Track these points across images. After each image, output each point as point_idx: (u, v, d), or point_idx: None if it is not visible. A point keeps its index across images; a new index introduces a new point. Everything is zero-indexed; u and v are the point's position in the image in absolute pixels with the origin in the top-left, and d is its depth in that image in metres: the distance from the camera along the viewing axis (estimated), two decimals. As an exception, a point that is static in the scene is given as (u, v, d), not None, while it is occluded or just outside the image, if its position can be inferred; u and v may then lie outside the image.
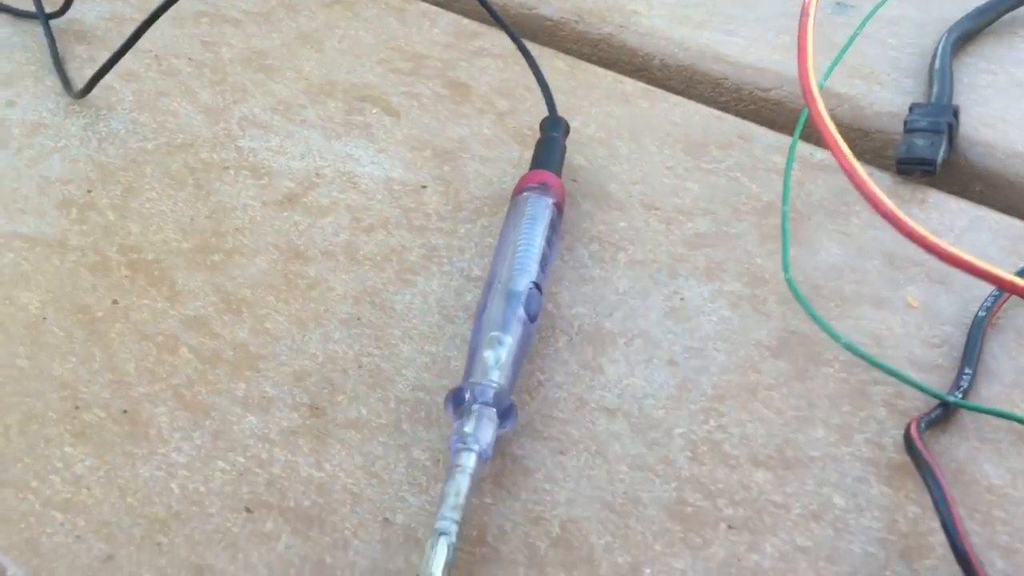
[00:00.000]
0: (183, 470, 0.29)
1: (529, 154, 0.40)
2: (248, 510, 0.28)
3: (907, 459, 0.28)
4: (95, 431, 0.30)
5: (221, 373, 0.32)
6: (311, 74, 0.44)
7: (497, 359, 0.30)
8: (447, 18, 0.47)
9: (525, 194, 0.35)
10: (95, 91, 0.42)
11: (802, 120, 0.38)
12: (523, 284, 0.32)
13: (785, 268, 0.34)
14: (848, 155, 0.33)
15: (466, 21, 0.47)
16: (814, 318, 0.32)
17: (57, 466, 0.29)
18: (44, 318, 0.33)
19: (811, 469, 0.29)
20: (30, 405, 0.31)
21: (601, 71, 0.44)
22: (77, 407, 0.31)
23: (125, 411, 0.31)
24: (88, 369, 0.32)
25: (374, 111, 0.42)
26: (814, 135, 0.40)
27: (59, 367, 0.32)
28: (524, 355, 0.31)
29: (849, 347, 0.31)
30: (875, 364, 0.31)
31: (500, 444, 0.29)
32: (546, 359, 0.32)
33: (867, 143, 0.41)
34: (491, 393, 0.29)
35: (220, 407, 0.31)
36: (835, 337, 0.31)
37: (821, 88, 0.41)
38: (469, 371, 0.30)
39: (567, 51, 0.46)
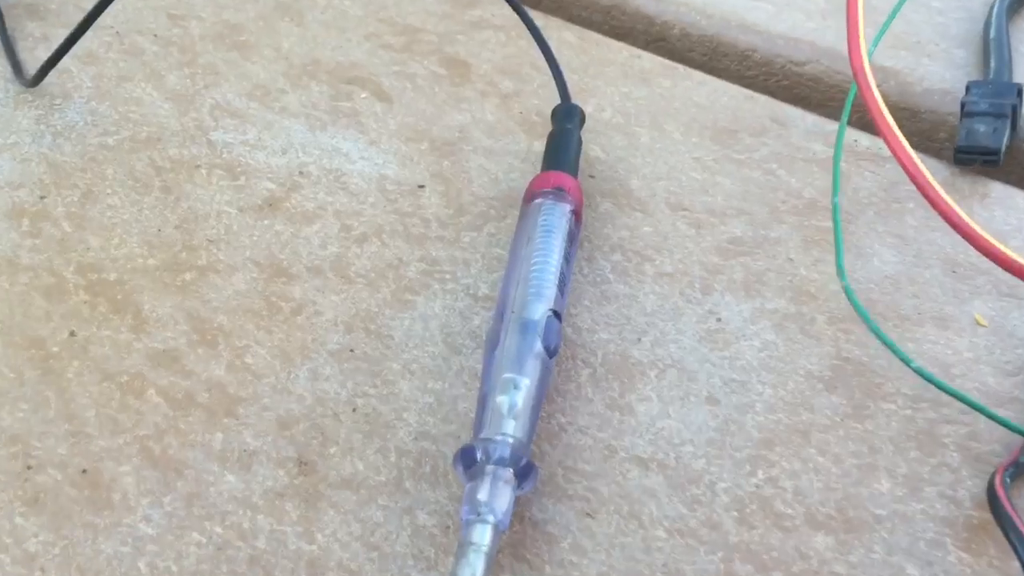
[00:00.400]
0: (152, 544, 0.25)
1: (538, 144, 0.35)
2: (229, 595, 0.24)
3: (989, 517, 0.25)
4: (51, 497, 0.26)
5: (195, 421, 0.28)
6: (291, 52, 0.39)
7: (512, 406, 0.26)
8: (441, -17, 0.42)
9: (538, 201, 0.30)
10: (49, 76, 0.37)
11: (849, 101, 0.33)
12: (540, 312, 0.27)
13: (840, 273, 0.29)
14: (905, 146, 0.29)
15: (462, -14, 0.42)
16: (881, 338, 0.28)
17: (6, 542, 0.25)
18: (-9, 355, 0.29)
19: (877, 532, 0.25)
20: (-25, 465, 0.27)
21: (616, 44, 0.39)
22: (29, 467, 0.27)
23: (84, 471, 0.27)
24: (42, 418, 0.28)
25: (363, 96, 0.38)
26: (857, 117, 0.36)
27: (8, 416, 0.28)
28: (543, 397, 0.27)
29: (923, 374, 0.27)
30: (962, 399, 0.27)
31: (519, 505, 0.25)
32: (567, 397, 0.28)
33: (916, 125, 0.37)
34: (507, 451, 0.25)
35: (194, 464, 0.27)
36: (906, 361, 0.27)
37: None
38: (480, 422, 0.26)
39: (574, 19, 0.42)
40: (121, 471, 0.27)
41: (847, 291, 0.29)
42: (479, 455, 0.25)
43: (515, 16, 0.39)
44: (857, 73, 0.30)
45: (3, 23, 0.40)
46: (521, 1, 0.38)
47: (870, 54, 0.37)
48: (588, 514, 0.25)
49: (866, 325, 0.28)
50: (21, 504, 0.26)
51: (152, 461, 0.27)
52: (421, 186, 0.34)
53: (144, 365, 0.29)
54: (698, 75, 0.38)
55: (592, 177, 0.34)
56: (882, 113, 0.30)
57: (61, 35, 0.40)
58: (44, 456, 0.27)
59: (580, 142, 0.33)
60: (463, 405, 0.28)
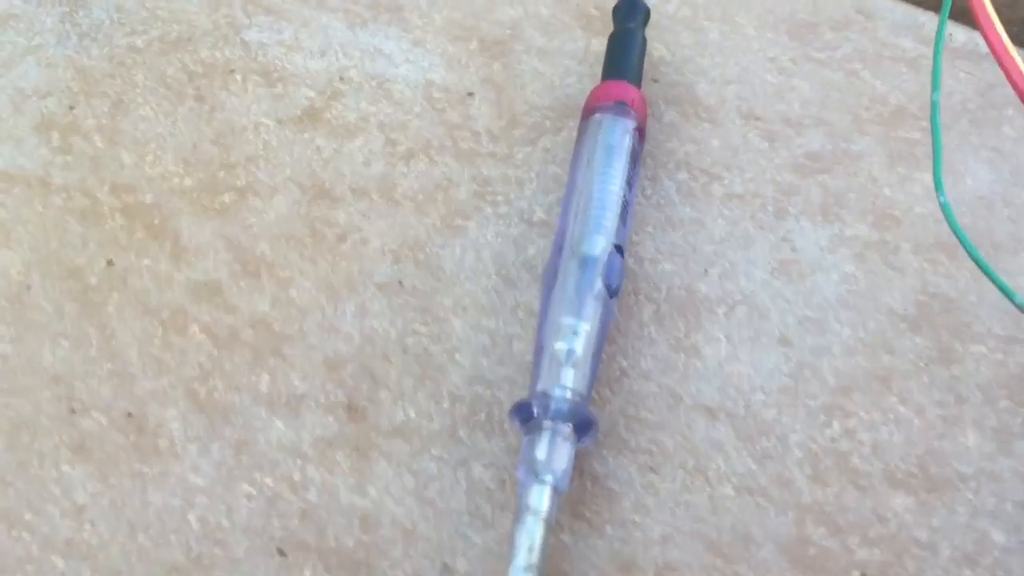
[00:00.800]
0: (202, 496, 0.24)
1: (596, 43, 0.32)
2: (281, 552, 0.24)
3: (1083, 477, 0.23)
4: (96, 443, 0.25)
5: (240, 361, 0.26)
6: (327, -66, 0.36)
7: (571, 354, 0.24)
8: None
9: (598, 116, 0.28)
10: (70, -33, 0.35)
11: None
12: (600, 247, 0.25)
13: (938, 188, 0.26)
14: (1006, 41, 0.26)
15: None
16: (983, 268, 0.24)
17: (55, 493, 0.25)
18: (28, 286, 0.28)
19: (962, 492, 0.23)
20: (19, 408, 0.26)
21: (682, -79, 0.35)
22: (74, 410, 0.26)
23: (130, 414, 0.26)
24: (84, 356, 0.27)
25: (405, -15, 0.35)
26: (957, 5, 0.32)
27: (50, 354, 0.27)
28: (604, 342, 0.25)
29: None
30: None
31: (578, 458, 0.24)
32: (629, 337, 0.26)
33: (1015, 13, 0.33)
34: (565, 405, 0.23)
35: (241, 408, 0.26)
36: (1009, 295, 0.25)
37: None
38: (537, 372, 0.24)
39: None
40: (167, 415, 0.26)
41: (945, 209, 0.25)
42: (536, 410, 0.23)
43: None
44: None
45: (19, -93, 0.37)
46: None
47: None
48: (651, 469, 0.24)
49: (966, 251, 0.25)
50: (68, 451, 0.25)
51: (198, 405, 0.26)
52: (470, 93, 0.32)
53: (186, 299, 0.28)
54: (774, -43, 0.34)
55: (656, 81, 0.31)
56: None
57: (81, -81, 0.37)
58: (88, 398, 0.26)
59: (644, 45, 0.30)
60: (519, 345, 0.26)
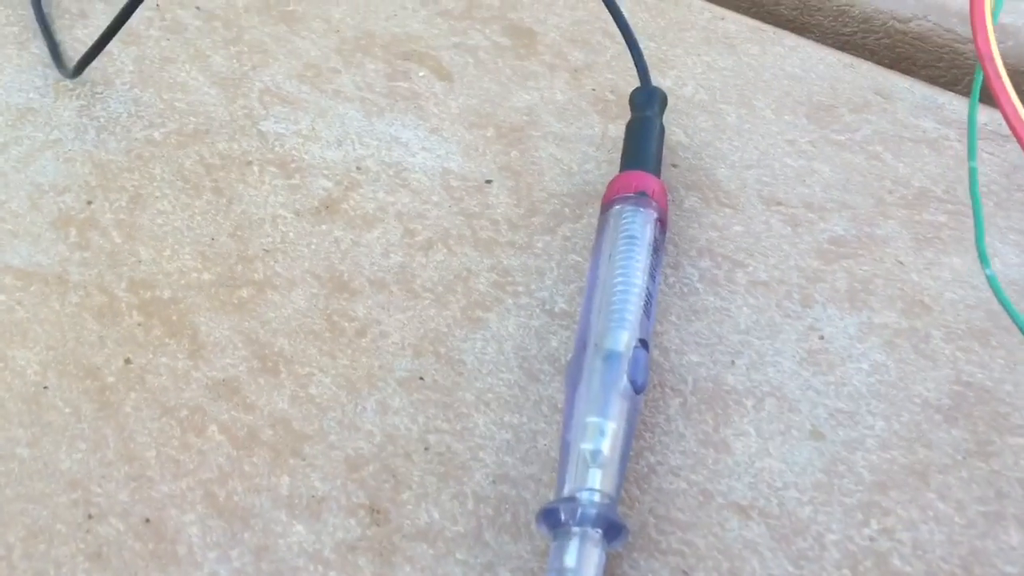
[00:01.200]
0: (222, 606, 0.24)
1: (614, 128, 0.32)
2: (303, 666, 0.23)
3: None
4: (114, 550, 0.25)
5: (259, 462, 0.26)
6: (343, 23, 0.36)
7: (597, 455, 0.23)
8: (501, -63, 0.39)
9: (618, 207, 0.28)
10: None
11: (979, 78, 0.30)
12: (624, 342, 0.25)
13: (983, 259, 0.24)
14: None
15: (525, -61, 0.39)
16: None
17: (71, 604, 0.24)
18: (45, 387, 0.28)
19: (1008, 593, 0.23)
20: (36, 515, 0.25)
21: (697, 4, 0.36)
22: (90, 516, 0.25)
23: (147, 520, 0.25)
24: (101, 459, 0.26)
25: (421, 74, 0.35)
26: (968, 82, 0.32)
27: (67, 457, 0.26)
28: (632, 441, 0.24)
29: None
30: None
31: (609, 562, 0.23)
32: (656, 432, 0.26)
33: (1037, 90, 0.33)
34: (594, 510, 0.23)
35: (261, 512, 0.25)
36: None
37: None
38: (563, 474, 0.24)
39: (650, -28, 0.38)
40: (185, 520, 0.25)
41: (992, 281, 0.24)
42: (564, 516, 0.23)
43: (584, -25, 0.35)
44: (978, 35, 0.26)
45: (39, 4, 0.38)
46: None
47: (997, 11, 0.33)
48: (684, 572, 0.23)
49: (1014, 322, 0.23)
50: (84, 559, 0.25)
51: (217, 509, 0.25)
52: (488, 181, 0.31)
53: (204, 397, 0.27)
54: (789, 38, 0.34)
55: (675, 166, 0.31)
56: (1004, 85, 0.26)
57: (99, 10, 0.38)
58: (105, 503, 0.26)
59: (663, 133, 0.30)
60: (543, 442, 0.26)
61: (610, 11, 0.32)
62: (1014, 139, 0.26)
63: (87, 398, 0.28)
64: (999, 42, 0.33)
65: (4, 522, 0.25)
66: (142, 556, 0.25)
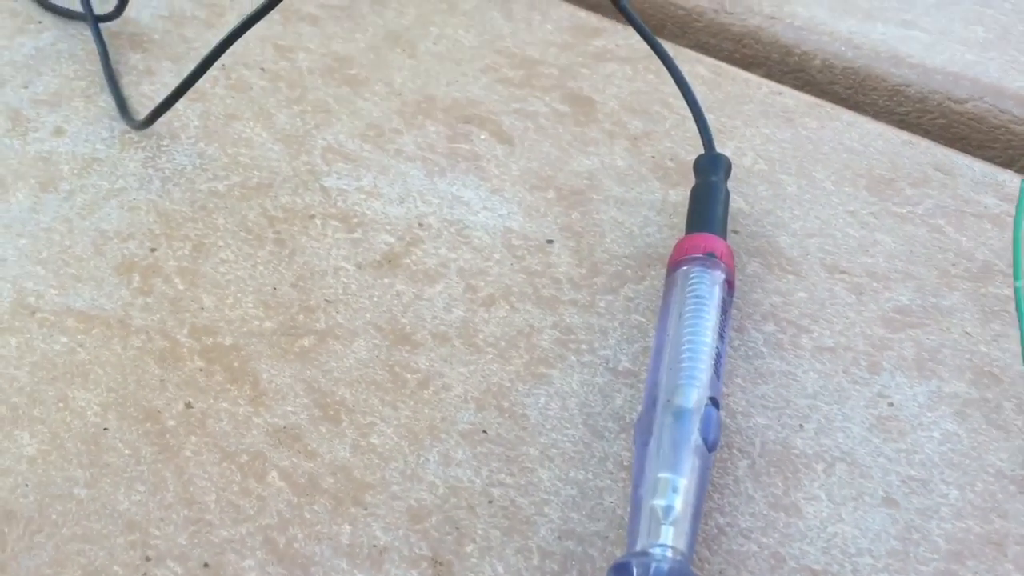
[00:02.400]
0: (281, 654, 0.23)
1: (674, 194, 0.33)
2: None
3: None
4: (171, 594, 0.24)
5: (320, 510, 0.26)
6: (404, 87, 0.37)
7: (670, 511, 0.23)
8: (561, 10, 0.40)
9: (686, 268, 0.28)
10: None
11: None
12: (695, 400, 0.25)
13: None
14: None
15: (583, 13, 0.40)
16: None
17: (127, 647, 0.24)
18: (105, 428, 0.28)
19: (1093, 669, 0.22)
20: (92, 555, 0.25)
21: (754, 80, 0.36)
22: (148, 558, 0.25)
23: (206, 564, 0.25)
24: (160, 502, 0.26)
25: (482, 136, 0.35)
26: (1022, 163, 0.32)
27: (125, 499, 0.26)
28: (703, 498, 0.24)
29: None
30: None
31: (678, 623, 0.23)
32: (724, 493, 0.25)
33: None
34: (666, 565, 0.22)
35: (322, 560, 0.25)
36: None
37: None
38: (634, 530, 0.23)
39: (703, 48, 0.39)
40: (244, 566, 0.25)
41: None
42: (636, 570, 0.22)
43: (641, 46, 0.36)
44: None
45: (107, 56, 0.39)
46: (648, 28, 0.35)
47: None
48: (757, 635, 0.23)
49: None
50: (140, 602, 0.24)
51: (277, 555, 0.25)
52: (550, 241, 0.32)
53: (264, 443, 0.27)
54: (847, 114, 0.35)
55: (736, 232, 0.31)
56: None
57: (166, 68, 0.38)
58: (164, 546, 0.25)
59: (728, 198, 0.30)
60: (609, 499, 0.25)
61: (674, 78, 0.33)
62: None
63: (147, 440, 0.27)
64: (1056, 124, 0.34)
65: (60, 561, 0.25)
66: (200, 601, 0.24)
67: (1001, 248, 0.30)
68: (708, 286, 0.27)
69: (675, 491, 0.23)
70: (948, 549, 0.24)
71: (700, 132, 0.32)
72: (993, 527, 0.24)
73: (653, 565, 0.22)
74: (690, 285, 0.27)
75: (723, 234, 0.29)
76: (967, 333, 0.28)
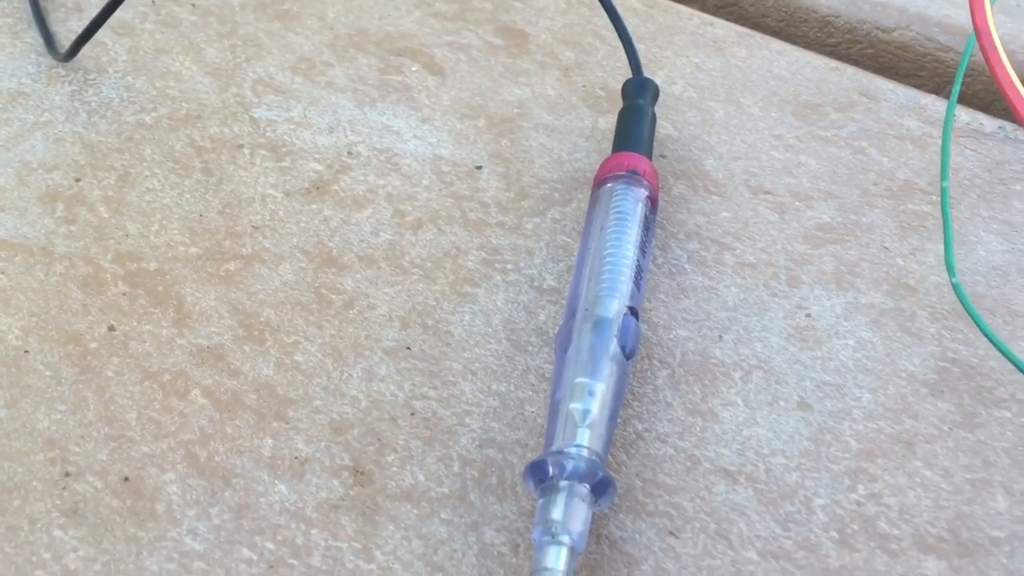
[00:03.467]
0: (199, 561, 0.23)
1: (603, 122, 0.33)
2: (282, 620, 0.22)
3: (1120, 542, 0.22)
4: (90, 507, 0.24)
5: (242, 425, 0.26)
6: (337, 22, 0.37)
7: (587, 415, 0.23)
8: (495, -53, 0.39)
9: (610, 185, 0.28)
10: (82, 49, 0.35)
11: (962, 70, 0.30)
12: (614, 309, 0.25)
13: (950, 270, 0.26)
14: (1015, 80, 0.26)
15: (518, -51, 0.39)
16: (994, 342, 0.25)
17: (44, 557, 0.23)
18: (26, 351, 0.27)
19: (995, 556, 0.23)
20: (11, 471, 0.25)
21: (685, 11, 0.36)
22: (67, 473, 0.25)
23: (126, 479, 0.25)
24: (80, 421, 0.26)
25: (414, 68, 0.35)
26: (950, 89, 0.33)
27: (45, 418, 0.26)
28: (620, 404, 0.24)
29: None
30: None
31: (594, 523, 0.23)
32: (644, 401, 0.26)
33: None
34: (582, 464, 0.22)
35: (243, 472, 0.25)
36: (1019, 367, 0.25)
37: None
38: (551, 432, 0.23)
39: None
40: (165, 479, 0.25)
41: (957, 290, 0.26)
42: (551, 469, 0.22)
43: (576, -19, 0.36)
44: (981, 33, 0.27)
45: (35, -7, 0.38)
46: (583, -35, 0.36)
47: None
48: (671, 532, 0.23)
49: (979, 328, 0.25)
50: (59, 515, 0.24)
51: (198, 468, 0.25)
52: (478, 167, 0.32)
53: (188, 363, 0.27)
54: (777, 44, 0.35)
55: (663, 157, 0.32)
56: (1013, 83, 0.27)
57: (95, 4, 0.38)
58: (83, 462, 0.25)
59: (655, 121, 0.30)
60: (531, 409, 0.26)
61: (604, 7, 0.33)
62: (996, 137, 0.26)
63: (68, 362, 0.27)
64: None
65: (-23, 478, 0.25)
66: (119, 513, 0.24)
67: (922, 168, 0.31)
68: (631, 203, 0.27)
69: (592, 395, 0.24)
70: (859, 448, 0.24)
71: (628, 57, 0.32)
72: (904, 427, 0.25)
73: (568, 463, 0.22)
74: (613, 201, 0.27)
75: (648, 154, 0.29)
76: (885, 247, 0.29)
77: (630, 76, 0.32)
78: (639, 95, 0.31)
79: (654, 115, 0.31)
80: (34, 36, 0.37)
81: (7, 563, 0.23)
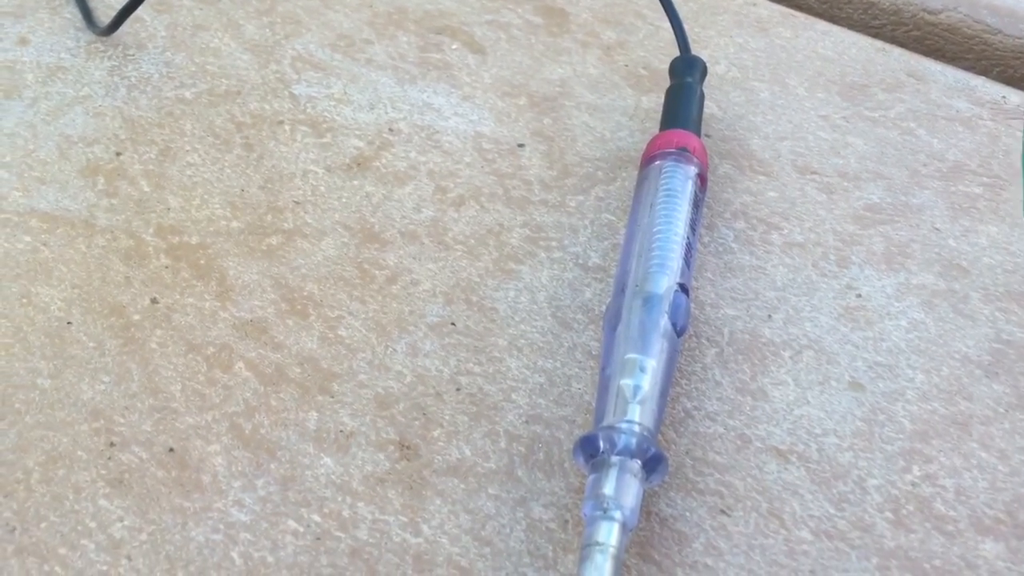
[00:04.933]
0: (246, 532, 0.23)
1: (647, 101, 0.32)
2: (329, 592, 0.22)
3: None
4: (135, 477, 0.24)
5: (287, 398, 0.25)
6: (376, 0, 0.37)
7: (638, 391, 0.23)
8: (535, -74, 0.39)
9: (659, 163, 0.28)
10: (122, 25, 0.35)
11: None
12: (664, 286, 0.25)
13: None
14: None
15: (558, -71, 0.39)
16: None
17: (90, 527, 0.23)
18: (69, 322, 0.27)
19: (1054, 539, 0.22)
20: (55, 441, 0.25)
21: (728, -9, 0.36)
22: (112, 443, 0.25)
23: (171, 449, 0.25)
24: (124, 391, 0.26)
25: (454, 47, 0.35)
26: (999, 71, 0.32)
27: (89, 388, 0.26)
28: (671, 381, 0.24)
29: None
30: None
31: (645, 501, 0.23)
32: (692, 380, 0.25)
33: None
34: (633, 440, 0.22)
35: (288, 444, 0.25)
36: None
37: None
38: (602, 408, 0.23)
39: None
40: (210, 450, 0.25)
41: None
42: (602, 444, 0.22)
43: (617, -39, 0.36)
44: None
45: (74, -31, 0.38)
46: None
47: None
48: (723, 511, 0.23)
49: None
50: (105, 484, 0.24)
51: (243, 440, 0.25)
52: (521, 145, 0.31)
53: (231, 336, 0.27)
54: (821, 24, 0.35)
55: (708, 136, 0.31)
56: None
57: (134, -19, 0.38)
58: (128, 432, 0.25)
59: (703, 99, 0.30)
60: (577, 386, 0.25)
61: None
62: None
63: (111, 334, 0.27)
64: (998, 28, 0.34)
65: (23, 447, 0.25)
66: (165, 483, 0.24)
67: (972, 149, 0.30)
68: (681, 180, 0.27)
69: (643, 371, 0.23)
70: (913, 429, 0.24)
71: (676, 35, 0.31)
72: (958, 409, 0.24)
73: (620, 439, 0.22)
74: (663, 178, 0.27)
75: (697, 132, 0.29)
76: (936, 229, 0.28)
77: (677, 54, 0.31)
78: (688, 73, 0.30)
79: (702, 93, 0.30)
80: (73, 12, 0.37)
81: (53, 532, 0.23)
